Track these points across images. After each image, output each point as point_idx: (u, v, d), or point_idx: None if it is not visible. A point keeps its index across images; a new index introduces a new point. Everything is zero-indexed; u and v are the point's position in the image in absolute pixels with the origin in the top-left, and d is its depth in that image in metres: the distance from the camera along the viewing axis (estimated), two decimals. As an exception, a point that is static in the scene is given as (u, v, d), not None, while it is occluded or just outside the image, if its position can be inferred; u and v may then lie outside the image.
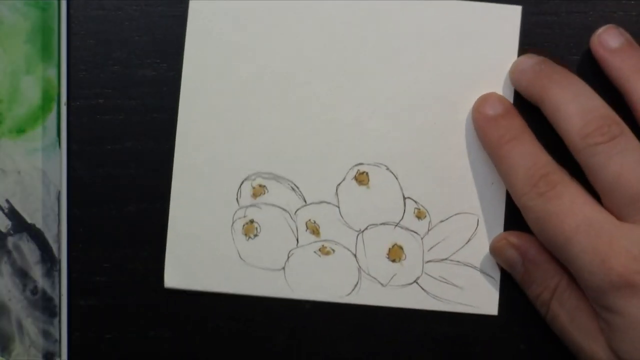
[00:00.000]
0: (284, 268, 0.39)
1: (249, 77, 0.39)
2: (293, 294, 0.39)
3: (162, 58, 0.39)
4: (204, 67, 0.39)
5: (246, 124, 0.39)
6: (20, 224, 0.40)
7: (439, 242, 0.38)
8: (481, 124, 0.37)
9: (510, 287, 0.38)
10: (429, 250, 0.38)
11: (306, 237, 0.38)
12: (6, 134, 0.40)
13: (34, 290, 0.40)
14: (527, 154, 0.35)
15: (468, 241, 0.38)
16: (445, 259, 0.38)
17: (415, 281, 0.38)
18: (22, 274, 0.40)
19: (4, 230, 0.40)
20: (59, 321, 0.40)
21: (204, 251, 0.39)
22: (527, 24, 0.39)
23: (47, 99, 0.40)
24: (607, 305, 0.33)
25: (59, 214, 0.40)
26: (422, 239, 0.38)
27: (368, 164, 0.38)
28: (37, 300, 0.40)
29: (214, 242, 0.39)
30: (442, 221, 0.38)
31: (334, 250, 0.38)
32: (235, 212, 0.39)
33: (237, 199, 0.39)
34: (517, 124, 0.36)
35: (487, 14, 0.38)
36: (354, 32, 0.38)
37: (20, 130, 0.40)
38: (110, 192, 0.39)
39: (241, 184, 0.39)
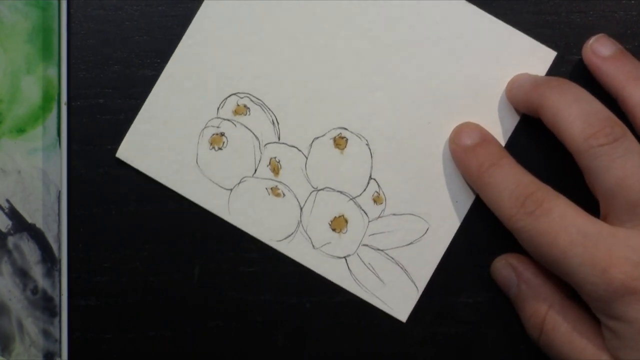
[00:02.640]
0: (231, 190, 0.39)
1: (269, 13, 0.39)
2: (229, 217, 0.39)
3: (162, 58, 0.39)
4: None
5: (259, 44, 0.39)
6: (20, 224, 0.40)
7: (383, 232, 0.38)
8: (459, 154, 0.37)
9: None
10: (370, 235, 0.38)
11: (265, 171, 0.39)
12: (6, 134, 0.40)
13: (35, 290, 0.40)
14: (510, 177, 0.35)
15: (410, 244, 0.38)
16: (382, 250, 0.38)
17: (344, 257, 0.39)
18: (23, 274, 0.41)
19: (4, 230, 0.40)
20: (59, 321, 0.40)
21: (166, 141, 0.39)
22: (527, 24, 0.39)
23: (48, 99, 0.40)
24: (612, 314, 0.33)
25: (59, 214, 0.40)
26: (369, 222, 0.38)
27: (351, 132, 0.39)
28: (37, 300, 0.40)
29: (179, 137, 0.39)
30: (394, 214, 0.38)
31: (284, 195, 0.39)
32: (212, 119, 0.39)
33: (218, 107, 0.39)
34: (495, 150, 0.37)
35: (523, 45, 0.38)
36: (388, 21, 0.38)
37: (21, 130, 0.40)
38: (110, 192, 0.39)
39: (228, 96, 0.39)
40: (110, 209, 0.39)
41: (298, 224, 0.39)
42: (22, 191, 0.40)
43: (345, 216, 0.38)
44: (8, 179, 0.40)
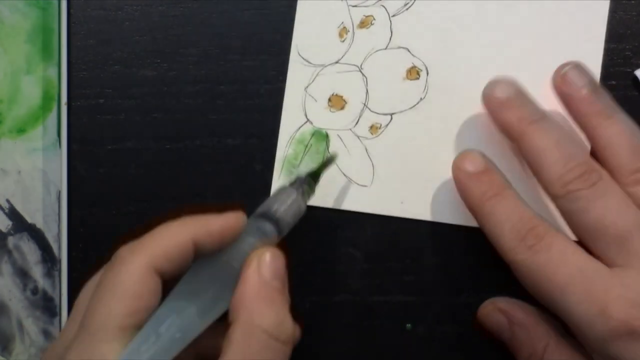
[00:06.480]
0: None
1: None
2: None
3: (162, 58, 0.39)
4: None
5: None
6: (20, 224, 0.40)
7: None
8: (462, 180, 0.36)
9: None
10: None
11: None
12: (6, 134, 0.40)
13: (35, 290, 0.41)
14: (512, 209, 0.35)
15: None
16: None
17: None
18: (23, 274, 0.41)
19: (4, 230, 0.40)
20: (59, 321, 0.40)
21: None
22: (527, 24, 0.39)
23: (48, 99, 0.40)
24: (609, 355, 0.32)
25: (59, 214, 0.40)
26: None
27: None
28: (37, 300, 0.41)
29: None
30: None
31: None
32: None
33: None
34: (498, 180, 0.36)
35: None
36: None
37: (21, 130, 0.40)
38: (110, 192, 0.39)
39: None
40: (110, 209, 0.39)
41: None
42: (22, 191, 0.40)
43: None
44: (8, 179, 0.40)
